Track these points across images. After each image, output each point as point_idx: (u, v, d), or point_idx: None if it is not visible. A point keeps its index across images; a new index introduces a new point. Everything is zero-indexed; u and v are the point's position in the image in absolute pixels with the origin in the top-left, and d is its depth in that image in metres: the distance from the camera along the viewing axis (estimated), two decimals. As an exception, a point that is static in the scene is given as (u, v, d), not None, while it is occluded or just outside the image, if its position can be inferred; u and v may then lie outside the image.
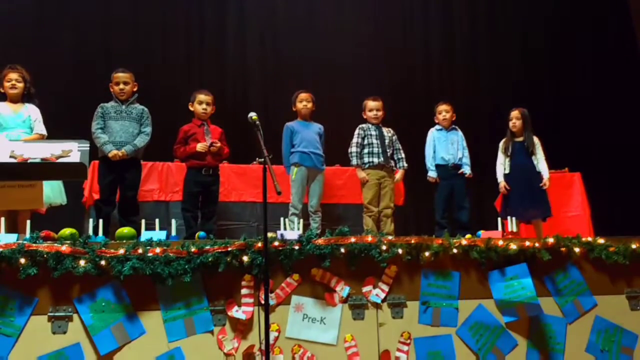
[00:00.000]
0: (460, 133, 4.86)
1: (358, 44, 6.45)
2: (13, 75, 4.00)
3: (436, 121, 4.88)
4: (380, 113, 4.69)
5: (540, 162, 4.67)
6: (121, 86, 4.13)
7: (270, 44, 6.34)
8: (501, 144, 4.83)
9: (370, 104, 4.70)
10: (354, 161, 4.61)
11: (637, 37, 6.95)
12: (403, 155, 4.74)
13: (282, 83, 5.93)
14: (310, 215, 4.47)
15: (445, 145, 4.77)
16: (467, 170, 4.76)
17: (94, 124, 4.07)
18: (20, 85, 4.02)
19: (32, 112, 4.03)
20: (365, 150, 4.61)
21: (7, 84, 3.99)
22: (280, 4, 6.46)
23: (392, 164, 4.67)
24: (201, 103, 4.36)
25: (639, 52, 6.89)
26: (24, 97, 4.06)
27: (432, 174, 4.74)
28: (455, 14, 6.88)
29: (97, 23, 5.87)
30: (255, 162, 4.91)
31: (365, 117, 4.73)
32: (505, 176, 4.72)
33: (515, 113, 4.76)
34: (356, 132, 4.67)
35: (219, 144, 4.25)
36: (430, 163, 4.77)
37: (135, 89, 4.22)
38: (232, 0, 6.34)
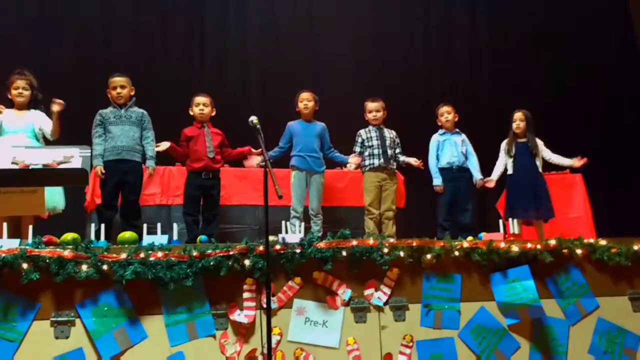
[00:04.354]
0: (464, 136, 4.85)
1: (358, 44, 6.44)
2: (20, 83, 3.99)
3: (439, 124, 4.88)
4: (380, 114, 4.69)
5: (552, 156, 4.75)
6: (118, 90, 4.14)
7: (270, 46, 6.34)
8: (504, 144, 4.83)
9: (370, 105, 4.70)
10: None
11: (637, 37, 6.94)
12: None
13: (283, 85, 5.93)
14: (312, 218, 4.47)
15: (449, 149, 4.77)
16: (477, 175, 4.74)
17: (93, 131, 4.10)
18: (27, 92, 4.02)
19: (35, 119, 4.03)
20: (366, 153, 4.62)
21: (14, 92, 3.99)
22: (281, 4, 6.46)
23: (394, 165, 4.67)
24: (198, 105, 4.38)
25: (639, 53, 6.89)
26: (30, 104, 4.06)
27: (437, 182, 4.71)
28: (456, 14, 6.88)
29: (97, 27, 5.88)
30: (256, 166, 4.94)
31: (366, 119, 4.74)
32: (509, 177, 4.73)
33: (518, 115, 4.76)
34: (356, 139, 4.68)
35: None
36: (434, 171, 4.75)
37: (132, 93, 4.22)
38: (232, 2, 6.35)
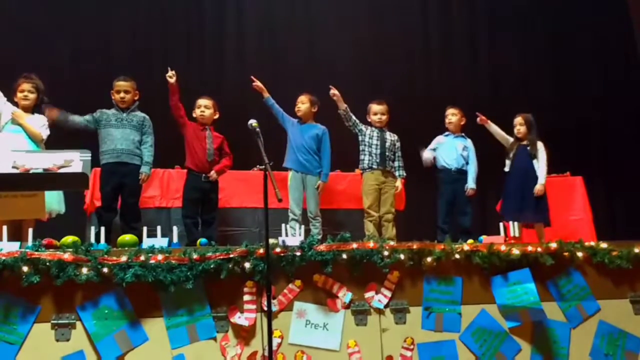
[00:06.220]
0: (468, 142, 4.85)
1: (358, 45, 6.44)
2: (26, 86, 3.99)
3: (446, 125, 4.89)
4: (384, 117, 4.68)
5: (541, 167, 4.64)
6: (122, 94, 4.15)
7: (270, 48, 6.34)
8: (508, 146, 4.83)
9: (375, 107, 4.70)
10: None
11: (637, 39, 6.94)
12: (402, 164, 4.72)
13: (283, 87, 5.92)
14: (310, 220, 4.47)
15: (447, 151, 4.78)
16: (470, 184, 4.72)
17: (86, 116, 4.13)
18: (33, 96, 4.01)
19: (35, 120, 4.02)
20: (365, 151, 4.62)
21: (20, 95, 3.99)
22: (281, 5, 6.47)
23: (393, 168, 4.66)
24: (199, 107, 4.39)
25: (639, 54, 6.89)
26: (35, 108, 4.05)
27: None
28: (456, 14, 6.88)
29: (97, 30, 5.88)
30: (255, 169, 4.92)
31: (369, 120, 4.73)
32: (507, 177, 4.73)
33: (518, 119, 4.76)
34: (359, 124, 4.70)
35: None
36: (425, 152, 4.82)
37: (136, 98, 4.23)
38: (231, 4, 6.35)
